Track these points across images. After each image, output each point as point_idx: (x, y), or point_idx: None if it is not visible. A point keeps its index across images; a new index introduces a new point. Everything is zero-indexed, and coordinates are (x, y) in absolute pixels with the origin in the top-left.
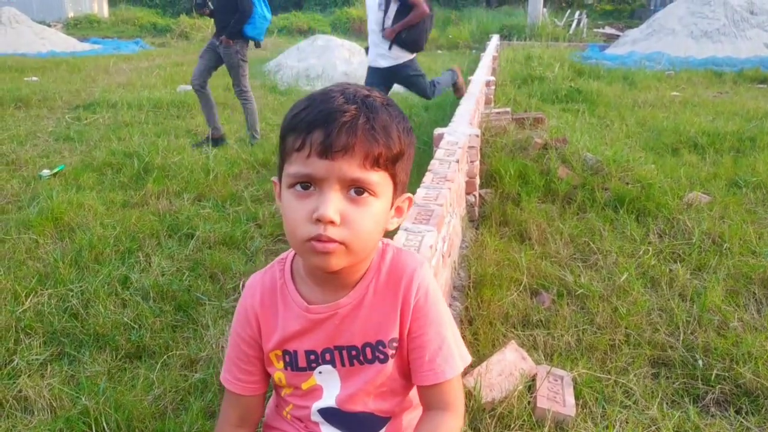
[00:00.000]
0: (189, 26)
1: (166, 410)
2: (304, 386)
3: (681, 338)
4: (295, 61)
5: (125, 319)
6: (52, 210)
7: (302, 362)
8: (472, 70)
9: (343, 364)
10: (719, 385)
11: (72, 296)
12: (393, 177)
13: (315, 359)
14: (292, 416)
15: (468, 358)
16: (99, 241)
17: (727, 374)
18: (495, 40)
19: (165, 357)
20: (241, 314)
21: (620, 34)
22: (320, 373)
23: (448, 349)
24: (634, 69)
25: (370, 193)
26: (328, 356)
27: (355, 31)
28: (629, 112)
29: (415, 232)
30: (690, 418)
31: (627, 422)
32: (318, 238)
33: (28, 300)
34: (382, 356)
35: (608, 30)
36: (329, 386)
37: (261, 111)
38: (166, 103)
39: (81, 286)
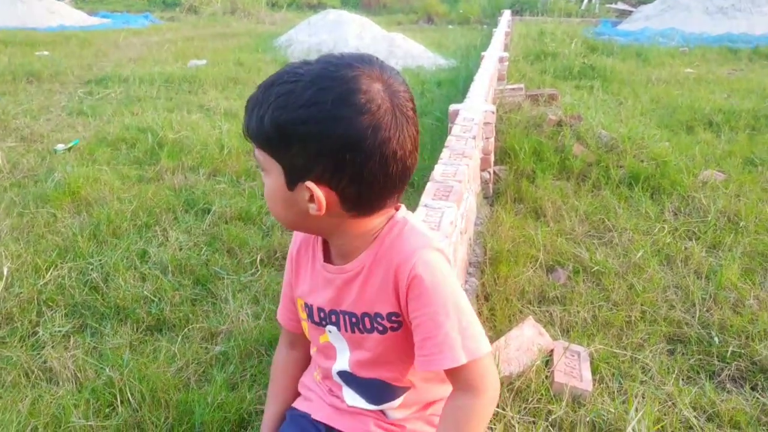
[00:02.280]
0: (198, 0)
1: (189, 382)
2: (321, 339)
3: (697, 315)
4: (305, 35)
5: (145, 292)
6: (68, 184)
7: (316, 317)
8: (484, 46)
9: (346, 330)
10: (735, 362)
11: (92, 270)
12: (278, 161)
13: (324, 317)
14: (322, 377)
15: (479, 350)
16: (116, 216)
17: (742, 351)
18: (507, 15)
19: (185, 330)
20: (288, 258)
21: (633, 9)
22: (330, 332)
23: (445, 337)
24: (647, 45)
25: (263, 170)
26: (333, 318)
27: (366, 5)
28: (643, 89)
29: (435, 208)
30: (706, 394)
31: (643, 397)
32: None
33: (49, 273)
34: (380, 328)
35: (621, 5)
36: (340, 348)
37: None
38: (177, 78)
39: (100, 260)
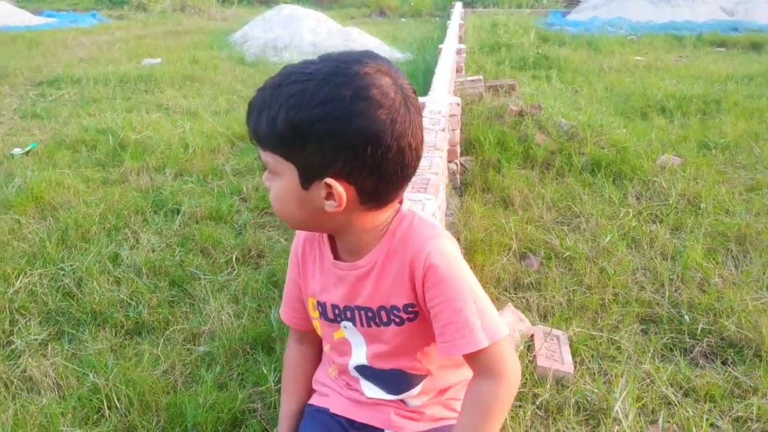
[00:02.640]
0: None
1: (177, 383)
2: (336, 336)
3: (666, 295)
4: (261, 31)
5: (121, 296)
6: (30, 189)
7: (330, 314)
8: (440, 38)
9: (362, 325)
10: (705, 339)
11: (63, 275)
12: (291, 161)
13: (339, 314)
14: (338, 373)
15: (498, 332)
16: (84, 219)
17: (712, 328)
18: (459, 7)
19: (167, 332)
20: (291, 256)
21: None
22: (345, 327)
23: (465, 322)
24: (597, 35)
25: (272, 172)
26: (348, 314)
27: (318, 0)
28: (596, 77)
29: (416, 201)
30: (681, 371)
31: (623, 376)
32: None
33: (19, 281)
34: (397, 320)
35: None
36: (356, 343)
37: (230, 83)
38: (133, 77)
39: (71, 265)
